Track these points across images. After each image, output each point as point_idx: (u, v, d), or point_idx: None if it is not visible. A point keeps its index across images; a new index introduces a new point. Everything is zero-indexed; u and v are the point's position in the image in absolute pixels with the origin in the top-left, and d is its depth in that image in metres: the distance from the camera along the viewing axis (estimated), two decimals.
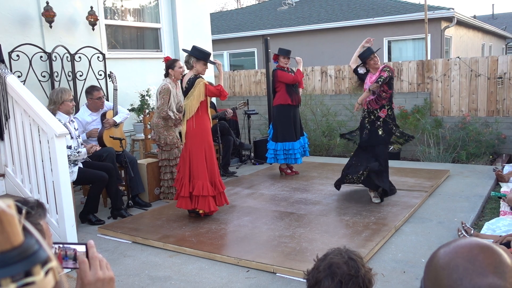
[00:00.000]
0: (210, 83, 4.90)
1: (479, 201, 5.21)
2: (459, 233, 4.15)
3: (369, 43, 5.33)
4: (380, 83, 4.99)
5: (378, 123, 5.19)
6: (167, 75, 5.69)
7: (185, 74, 4.94)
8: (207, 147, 4.79)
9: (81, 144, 5.08)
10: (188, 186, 4.73)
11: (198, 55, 4.71)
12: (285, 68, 6.45)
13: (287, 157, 6.52)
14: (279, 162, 6.61)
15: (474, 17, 19.51)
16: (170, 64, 5.67)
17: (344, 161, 7.67)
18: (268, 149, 6.68)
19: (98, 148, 5.24)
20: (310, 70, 9.96)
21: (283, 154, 6.49)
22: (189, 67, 4.79)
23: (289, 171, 6.75)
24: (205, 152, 4.77)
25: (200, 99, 4.69)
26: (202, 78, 4.78)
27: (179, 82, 5.44)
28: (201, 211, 4.79)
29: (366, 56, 5.13)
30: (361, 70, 5.28)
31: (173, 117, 5.59)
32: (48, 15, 5.87)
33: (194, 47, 4.80)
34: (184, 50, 4.90)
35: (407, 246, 4.04)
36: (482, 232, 4.28)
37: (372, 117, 5.21)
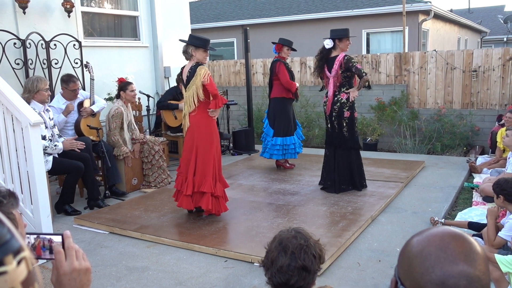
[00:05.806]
0: None
1: (453, 192, 5.33)
2: (432, 221, 4.25)
3: None
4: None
5: (339, 105, 5.22)
6: (118, 96, 5.70)
7: (184, 66, 4.56)
8: (216, 141, 4.51)
9: (58, 135, 4.99)
10: (192, 184, 4.40)
11: (196, 43, 4.41)
12: (286, 60, 6.38)
13: (286, 153, 6.34)
14: (276, 157, 6.37)
15: (451, 10, 19.76)
16: (122, 86, 5.67)
17: (323, 152, 7.73)
18: (272, 145, 6.30)
19: (79, 146, 4.99)
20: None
21: (283, 149, 6.31)
22: (188, 57, 4.46)
23: (287, 164, 6.63)
24: (215, 147, 4.50)
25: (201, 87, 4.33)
26: (204, 66, 4.41)
27: (129, 104, 5.78)
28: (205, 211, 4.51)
29: (344, 35, 5.16)
30: (330, 45, 5.22)
31: (127, 138, 5.66)
32: (22, 1, 5.70)
33: (190, 35, 4.52)
34: (181, 40, 4.58)
35: (383, 235, 4.11)
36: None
37: (338, 104, 5.24)
